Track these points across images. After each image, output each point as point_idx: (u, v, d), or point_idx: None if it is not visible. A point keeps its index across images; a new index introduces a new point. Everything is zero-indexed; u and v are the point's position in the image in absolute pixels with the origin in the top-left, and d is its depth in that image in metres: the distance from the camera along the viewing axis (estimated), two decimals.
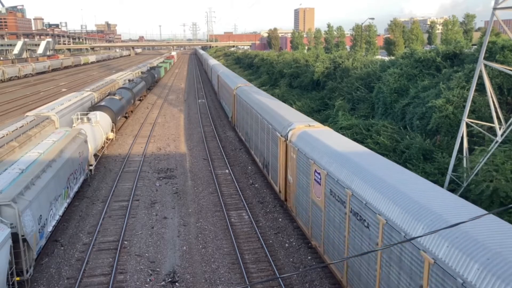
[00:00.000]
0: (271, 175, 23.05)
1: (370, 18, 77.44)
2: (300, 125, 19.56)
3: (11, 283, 13.13)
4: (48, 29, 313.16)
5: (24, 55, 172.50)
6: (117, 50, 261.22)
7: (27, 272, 14.10)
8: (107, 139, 32.14)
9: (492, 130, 17.70)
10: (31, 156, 18.21)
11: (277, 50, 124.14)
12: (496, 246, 7.98)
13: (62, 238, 18.20)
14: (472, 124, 17.86)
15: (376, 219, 11.15)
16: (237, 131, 36.66)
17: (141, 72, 75.41)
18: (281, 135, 20.14)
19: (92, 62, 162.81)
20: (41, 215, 15.53)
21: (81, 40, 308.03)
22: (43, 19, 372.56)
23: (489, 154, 16.60)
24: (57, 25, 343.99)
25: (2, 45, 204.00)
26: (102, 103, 35.54)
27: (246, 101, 30.95)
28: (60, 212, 18.34)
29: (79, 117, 28.68)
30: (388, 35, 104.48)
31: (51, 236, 17.58)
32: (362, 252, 11.97)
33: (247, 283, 14.67)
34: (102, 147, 30.85)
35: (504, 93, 21.89)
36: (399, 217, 10.26)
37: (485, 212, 9.23)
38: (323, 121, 29.63)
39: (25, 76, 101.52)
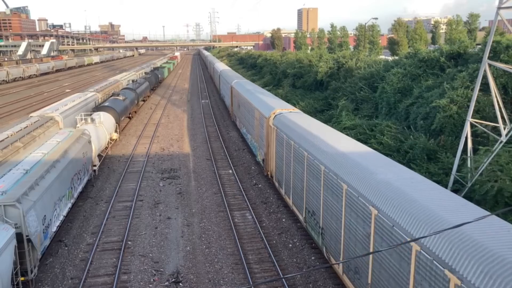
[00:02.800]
0: None
1: (373, 18, 77.10)
2: None
3: (15, 283, 13.19)
4: (52, 30, 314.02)
5: (28, 56, 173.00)
6: (121, 50, 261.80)
7: (31, 272, 14.15)
8: (110, 140, 32.23)
9: (496, 130, 17.62)
10: (35, 156, 18.28)
11: (281, 50, 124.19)
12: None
13: (66, 238, 18.26)
14: (476, 124, 17.78)
15: None
16: (278, 189, 22.20)
17: (145, 73, 75.54)
18: None
19: (95, 63, 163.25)
20: (45, 216, 15.59)
21: (84, 40, 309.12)
22: (47, 20, 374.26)
23: (493, 154, 16.53)
24: (61, 26, 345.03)
25: (6, 46, 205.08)
26: (106, 104, 35.63)
27: (308, 151, 16.76)
28: (64, 213, 18.41)
29: (83, 117, 28.80)
30: (392, 35, 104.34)
31: (55, 236, 17.64)
32: None
33: (251, 284, 14.66)
34: (106, 148, 30.93)
35: (508, 93, 21.78)
36: None
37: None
38: (327, 121, 29.56)
39: (29, 76, 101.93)
